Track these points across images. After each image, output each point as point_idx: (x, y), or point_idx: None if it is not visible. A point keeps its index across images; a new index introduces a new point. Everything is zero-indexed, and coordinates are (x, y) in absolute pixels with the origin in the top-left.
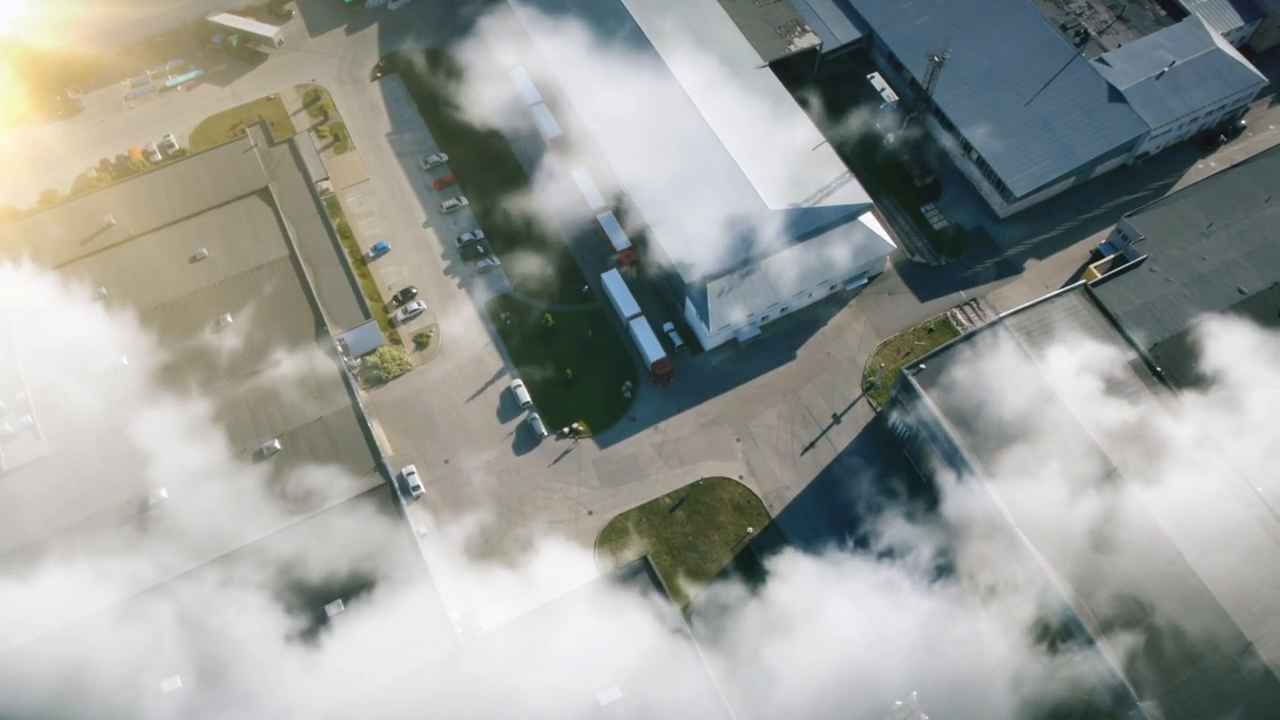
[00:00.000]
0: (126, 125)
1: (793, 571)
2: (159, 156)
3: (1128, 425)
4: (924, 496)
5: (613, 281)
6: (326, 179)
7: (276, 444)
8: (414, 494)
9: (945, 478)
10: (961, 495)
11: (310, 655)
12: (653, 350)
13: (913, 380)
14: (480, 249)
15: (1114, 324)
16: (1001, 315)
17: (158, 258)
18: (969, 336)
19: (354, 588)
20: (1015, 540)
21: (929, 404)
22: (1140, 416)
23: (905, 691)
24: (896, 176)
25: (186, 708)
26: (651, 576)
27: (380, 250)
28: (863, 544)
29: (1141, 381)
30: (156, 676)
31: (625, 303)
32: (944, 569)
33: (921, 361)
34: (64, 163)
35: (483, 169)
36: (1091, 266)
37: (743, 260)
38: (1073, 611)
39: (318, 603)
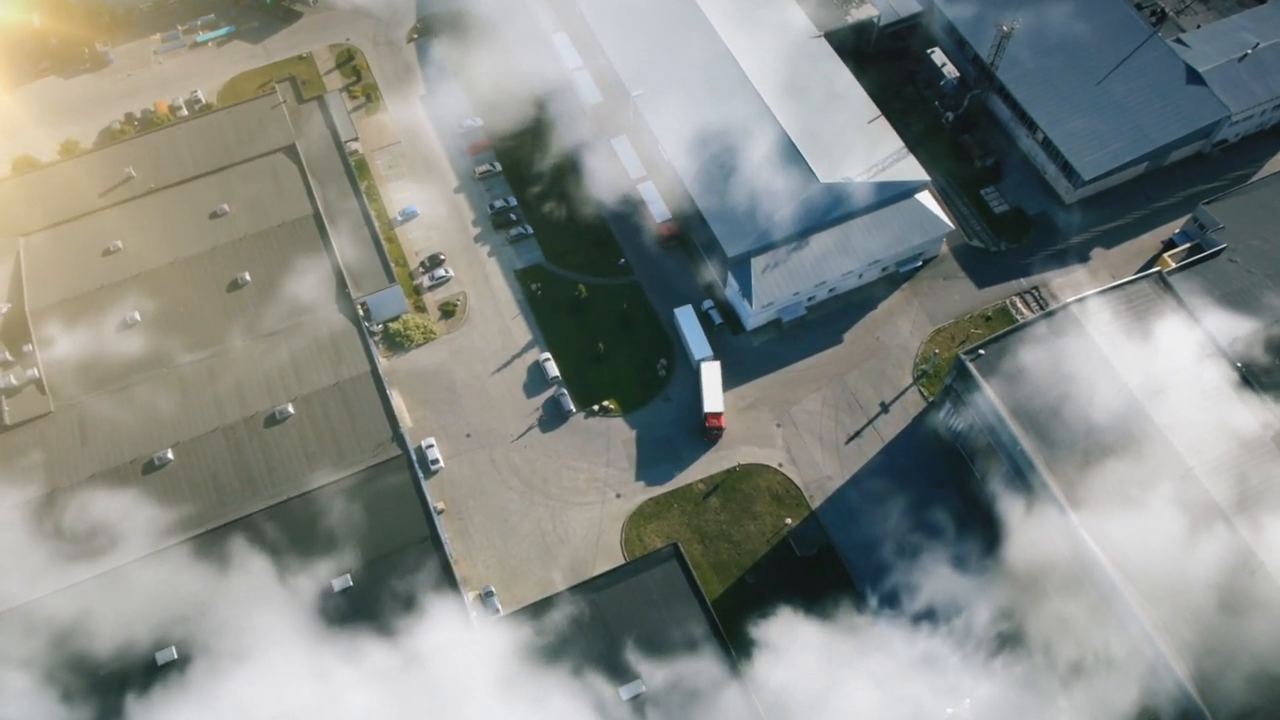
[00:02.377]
0: (154, 80)
1: (806, 635)
2: (185, 112)
3: (1241, 440)
4: (980, 511)
5: (685, 318)
6: (356, 139)
7: (290, 408)
8: (433, 468)
9: (1012, 503)
10: (1035, 528)
11: (312, 630)
12: (712, 399)
13: (971, 367)
14: (513, 216)
15: (1191, 316)
16: (1068, 300)
17: (177, 212)
18: (1033, 322)
19: (363, 562)
20: (1113, 595)
21: (991, 397)
22: (1249, 430)
23: (957, 698)
24: (955, 157)
25: (182, 674)
26: (681, 565)
27: (408, 215)
28: (893, 602)
29: (1230, 383)
30: (148, 644)
31: (697, 343)
32: (1009, 638)
33: (981, 346)
34: (89, 115)
35: (519, 134)
36: (1165, 255)
37: (790, 235)
38: (1194, 698)
39: (324, 576)
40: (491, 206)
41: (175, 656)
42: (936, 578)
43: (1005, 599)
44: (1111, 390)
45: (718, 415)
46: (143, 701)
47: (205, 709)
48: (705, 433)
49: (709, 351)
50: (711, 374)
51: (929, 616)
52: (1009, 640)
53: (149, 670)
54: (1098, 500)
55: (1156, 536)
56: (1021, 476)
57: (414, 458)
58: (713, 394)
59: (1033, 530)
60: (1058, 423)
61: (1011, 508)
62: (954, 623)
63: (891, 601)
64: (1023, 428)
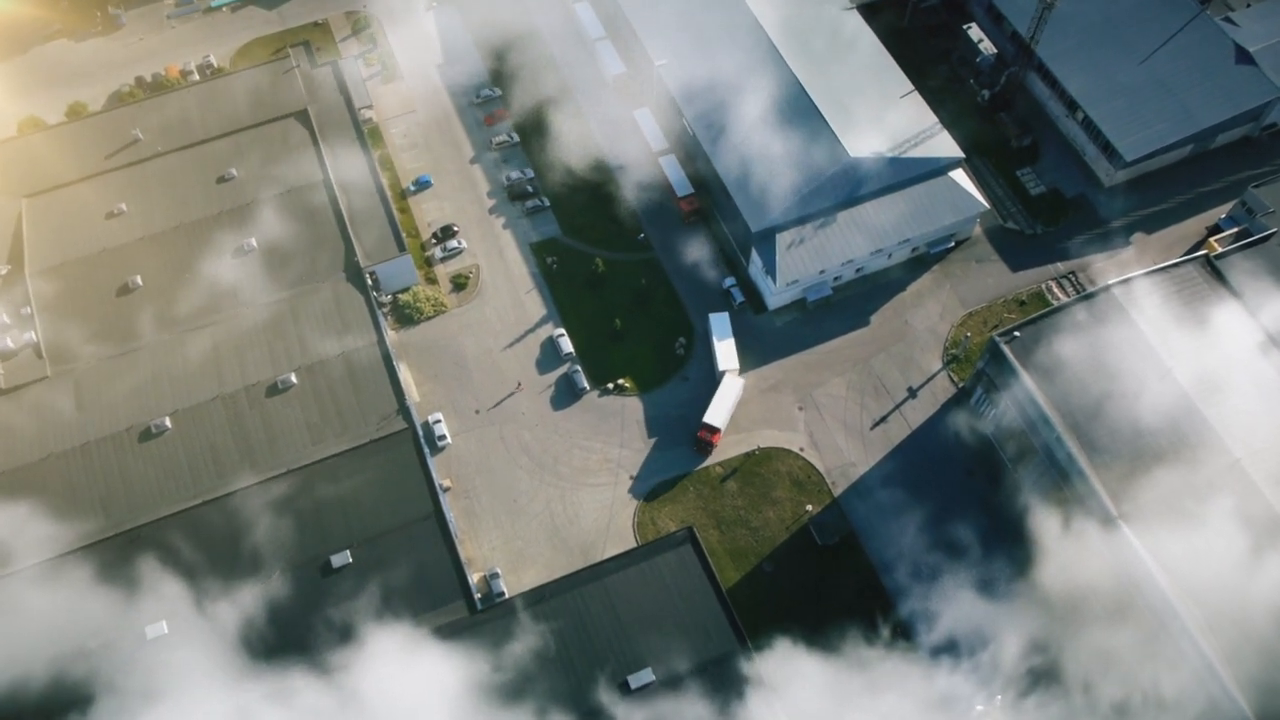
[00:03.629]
0: (166, 44)
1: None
2: (197, 77)
3: None
4: (1012, 503)
5: (719, 324)
6: (370, 107)
7: (293, 378)
8: (439, 444)
9: (1050, 507)
10: (1077, 537)
11: (307, 608)
12: (716, 412)
13: (1006, 349)
14: (530, 188)
15: (1241, 302)
16: (1110, 282)
17: (183, 176)
18: (1072, 304)
19: (365, 539)
20: (1172, 624)
21: (1028, 383)
22: None
23: (988, 695)
24: (991, 136)
25: (170, 649)
26: (696, 550)
27: (422, 184)
28: (905, 633)
29: None
30: (142, 620)
31: (726, 353)
32: (1042, 675)
33: (1016, 328)
34: (99, 78)
35: (538, 106)
36: (1211, 240)
37: (817, 211)
38: None
39: (323, 551)
40: (507, 178)
41: (165, 631)
42: (965, 592)
43: (1039, 618)
44: (1159, 382)
45: (715, 431)
46: (134, 671)
47: (190, 681)
48: (695, 442)
49: (735, 365)
50: (729, 388)
51: (949, 650)
52: (1041, 677)
53: (139, 645)
54: (1148, 507)
55: (1217, 554)
56: (1062, 475)
57: (420, 433)
58: (720, 408)
59: (1074, 540)
60: (1100, 415)
61: (1049, 512)
62: (982, 651)
63: (913, 621)
64: (1063, 420)
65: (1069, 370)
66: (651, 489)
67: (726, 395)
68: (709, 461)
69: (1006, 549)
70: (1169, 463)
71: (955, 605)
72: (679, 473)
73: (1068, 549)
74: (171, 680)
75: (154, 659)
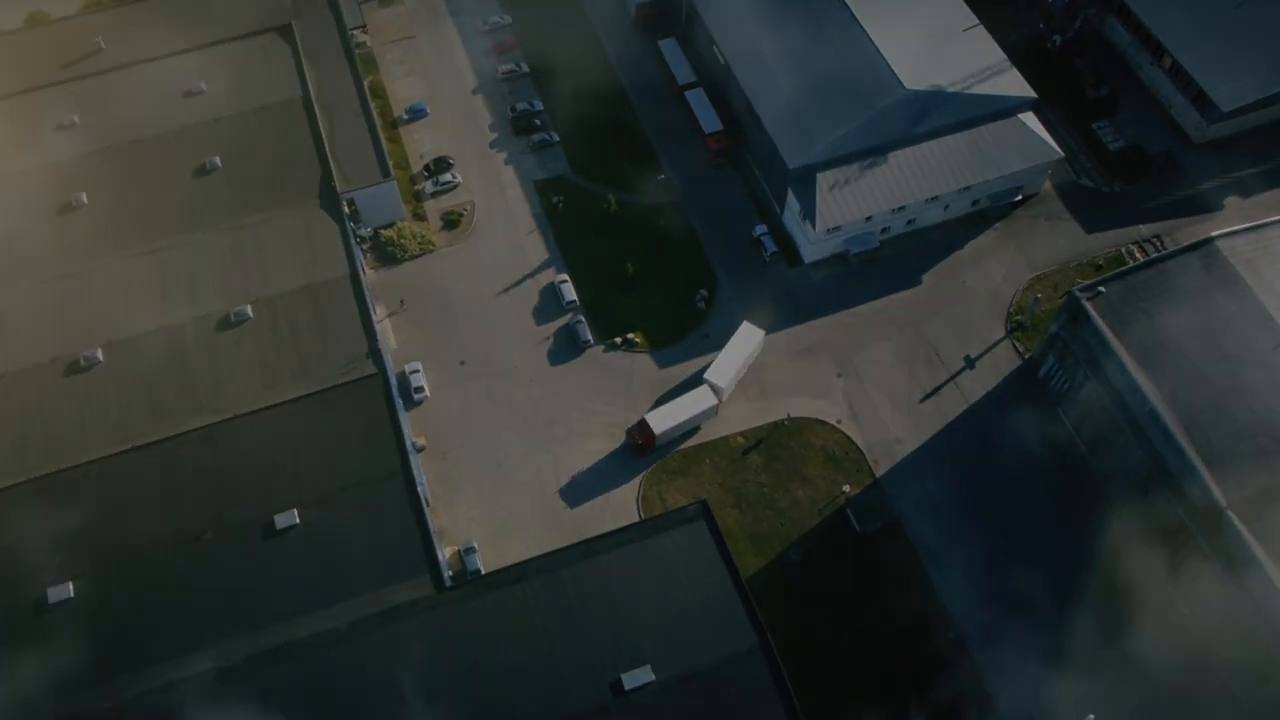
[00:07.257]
0: None
1: None
2: None
3: None
4: (1090, 500)
5: (746, 336)
6: (363, 28)
7: (249, 311)
8: (415, 397)
9: (1140, 541)
10: (1188, 567)
11: (242, 573)
12: (662, 420)
13: (1089, 308)
14: (537, 121)
15: None
16: (1212, 235)
17: (146, 89)
18: (1168, 258)
19: (315, 497)
20: None
21: (1117, 348)
22: None
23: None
24: (1064, 85)
25: (74, 619)
26: (710, 528)
27: (416, 113)
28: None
29: None
30: (40, 579)
31: (725, 365)
32: None
33: (1100, 283)
34: None
35: (552, 34)
36: None
37: (865, 149)
38: None
39: (265, 510)
40: (513, 109)
41: (71, 595)
42: (1028, 599)
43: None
44: None
45: (650, 435)
46: (29, 644)
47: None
48: (633, 443)
49: (725, 384)
50: (695, 400)
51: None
52: None
53: (39, 608)
54: None
55: None
56: (1171, 488)
57: (393, 381)
58: (669, 415)
59: (1185, 571)
60: (1214, 405)
61: (1141, 533)
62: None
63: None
64: (1166, 405)
65: (1169, 340)
66: (661, 459)
67: (688, 406)
68: (729, 429)
69: (1081, 562)
70: None
71: (1017, 611)
72: (694, 442)
73: (1174, 581)
74: (72, 651)
75: (57, 624)
